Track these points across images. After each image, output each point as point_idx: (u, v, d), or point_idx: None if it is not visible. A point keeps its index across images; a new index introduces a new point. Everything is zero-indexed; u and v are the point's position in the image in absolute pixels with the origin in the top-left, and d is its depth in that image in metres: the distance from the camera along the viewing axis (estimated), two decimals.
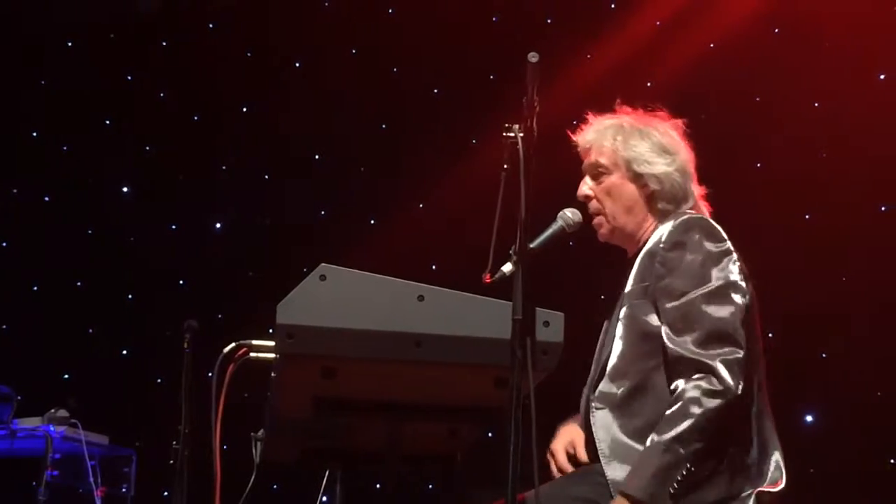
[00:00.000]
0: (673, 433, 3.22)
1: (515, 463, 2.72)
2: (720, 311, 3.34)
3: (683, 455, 3.21)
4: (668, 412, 3.26)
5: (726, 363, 3.26)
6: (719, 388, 3.23)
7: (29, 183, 8.00)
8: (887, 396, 6.80)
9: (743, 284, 3.41)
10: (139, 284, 7.94)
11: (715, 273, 3.39)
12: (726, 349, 3.28)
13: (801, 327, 6.70)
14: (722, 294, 3.36)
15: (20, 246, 7.89)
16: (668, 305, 3.39)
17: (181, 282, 7.97)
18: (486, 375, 2.84)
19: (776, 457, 3.44)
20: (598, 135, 3.71)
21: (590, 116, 3.77)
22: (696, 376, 3.27)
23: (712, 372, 3.25)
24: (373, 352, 2.78)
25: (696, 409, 3.23)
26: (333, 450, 3.39)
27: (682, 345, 3.32)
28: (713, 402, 3.23)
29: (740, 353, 3.29)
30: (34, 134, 8.07)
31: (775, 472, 3.40)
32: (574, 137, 3.76)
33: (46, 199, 8.04)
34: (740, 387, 3.25)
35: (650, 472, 3.21)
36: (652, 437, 3.26)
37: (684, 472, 3.21)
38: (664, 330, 3.38)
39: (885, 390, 6.82)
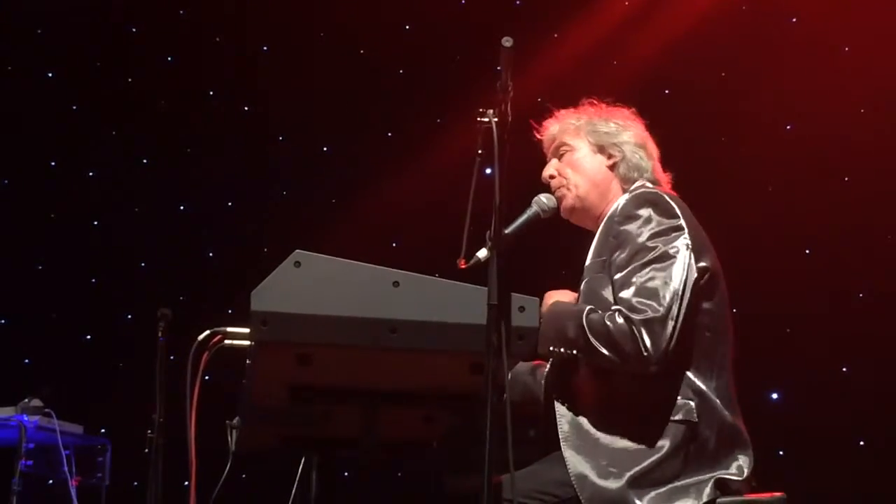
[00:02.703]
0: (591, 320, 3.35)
1: (491, 449, 2.73)
2: (653, 278, 3.37)
3: (579, 341, 3.35)
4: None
5: (646, 322, 3.31)
6: (631, 345, 3.30)
7: None
8: (853, 371, 6.83)
9: (687, 260, 3.42)
10: (102, 268, 7.89)
11: (658, 245, 3.42)
12: (650, 307, 3.32)
13: (764, 301, 6.71)
14: (658, 262, 3.40)
15: None
16: (615, 277, 3.44)
17: (143, 264, 7.93)
18: (462, 361, 2.85)
19: (744, 455, 3.46)
20: (562, 122, 3.80)
21: (555, 112, 3.82)
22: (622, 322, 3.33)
23: (634, 327, 3.30)
24: (348, 338, 2.77)
25: (611, 330, 3.32)
26: (309, 437, 3.39)
27: (618, 304, 3.38)
28: (625, 344, 3.30)
29: (660, 311, 3.32)
30: None
31: (741, 466, 3.43)
32: (539, 135, 3.82)
33: (6, 182, 7.97)
34: (654, 349, 3.29)
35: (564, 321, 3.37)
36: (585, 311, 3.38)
37: (568, 350, 3.37)
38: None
39: (850, 365, 6.86)
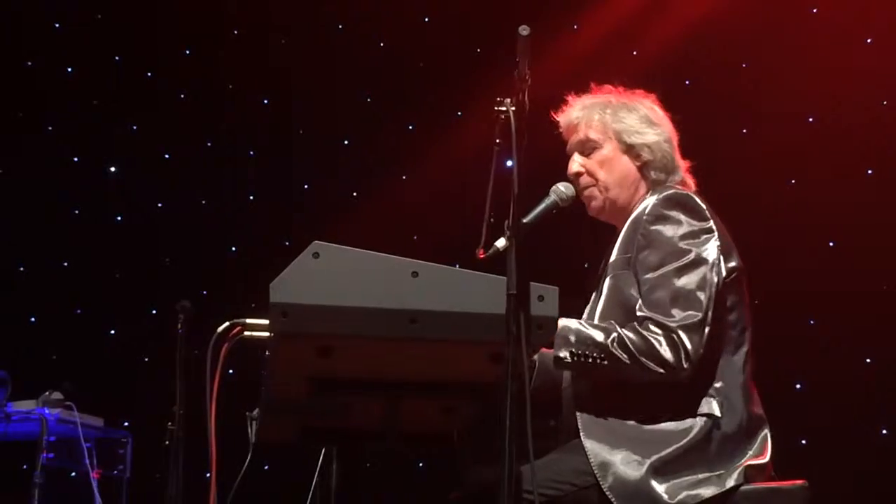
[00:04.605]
0: (622, 335, 3.31)
1: (511, 438, 2.72)
2: (688, 282, 3.37)
3: (607, 351, 3.31)
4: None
5: (686, 328, 3.31)
6: (672, 352, 3.29)
7: (13, 163, 7.96)
8: (876, 362, 6.80)
9: (718, 263, 3.43)
10: (125, 263, 7.92)
11: (691, 249, 3.42)
12: (688, 313, 3.32)
13: (788, 293, 6.69)
14: (693, 268, 3.39)
15: (5, 226, 7.84)
16: (644, 277, 3.43)
17: (167, 259, 7.95)
18: (482, 351, 2.84)
19: (764, 432, 3.48)
20: (586, 111, 3.72)
21: (569, 98, 3.78)
22: (658, 331, 3.32)
23: (674, 334, 3.30)
24: (368, 329, 2.77)
25: (650, 341, 3.30)
26: (329, 429, 3.39)
27: (649, 309, 3.36)
28: (665, 352, 3.29)
29: (698, 316, 3.32)
30: (20, 115, 8.04)
31: (761, 445, 3.44)
32: (556, 117, 3.77)
33: (28, 179, 8.00)
34: (694, 355, 3.30)
35: (582, 332, 3.33)
36: (610, 325, 3.36)
37: (592, 359, 3.32)
38: (639, 301, 3.42)
39: (873, 355, 6.83)
